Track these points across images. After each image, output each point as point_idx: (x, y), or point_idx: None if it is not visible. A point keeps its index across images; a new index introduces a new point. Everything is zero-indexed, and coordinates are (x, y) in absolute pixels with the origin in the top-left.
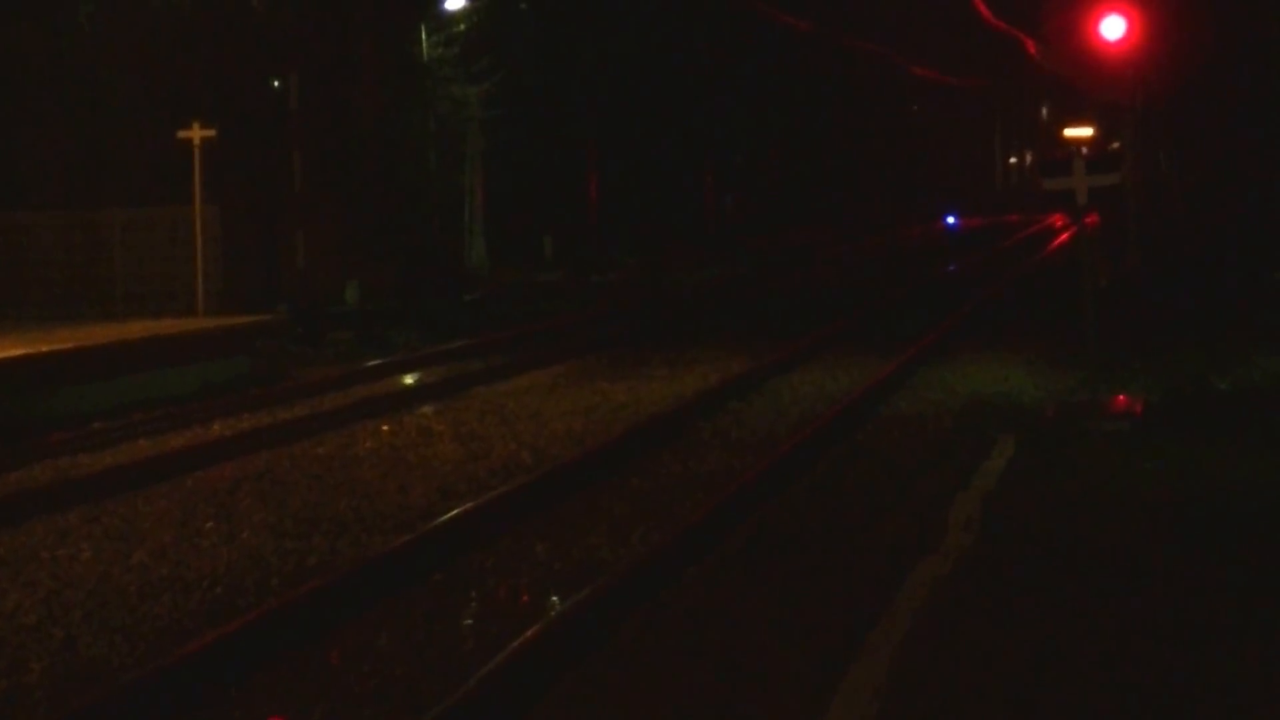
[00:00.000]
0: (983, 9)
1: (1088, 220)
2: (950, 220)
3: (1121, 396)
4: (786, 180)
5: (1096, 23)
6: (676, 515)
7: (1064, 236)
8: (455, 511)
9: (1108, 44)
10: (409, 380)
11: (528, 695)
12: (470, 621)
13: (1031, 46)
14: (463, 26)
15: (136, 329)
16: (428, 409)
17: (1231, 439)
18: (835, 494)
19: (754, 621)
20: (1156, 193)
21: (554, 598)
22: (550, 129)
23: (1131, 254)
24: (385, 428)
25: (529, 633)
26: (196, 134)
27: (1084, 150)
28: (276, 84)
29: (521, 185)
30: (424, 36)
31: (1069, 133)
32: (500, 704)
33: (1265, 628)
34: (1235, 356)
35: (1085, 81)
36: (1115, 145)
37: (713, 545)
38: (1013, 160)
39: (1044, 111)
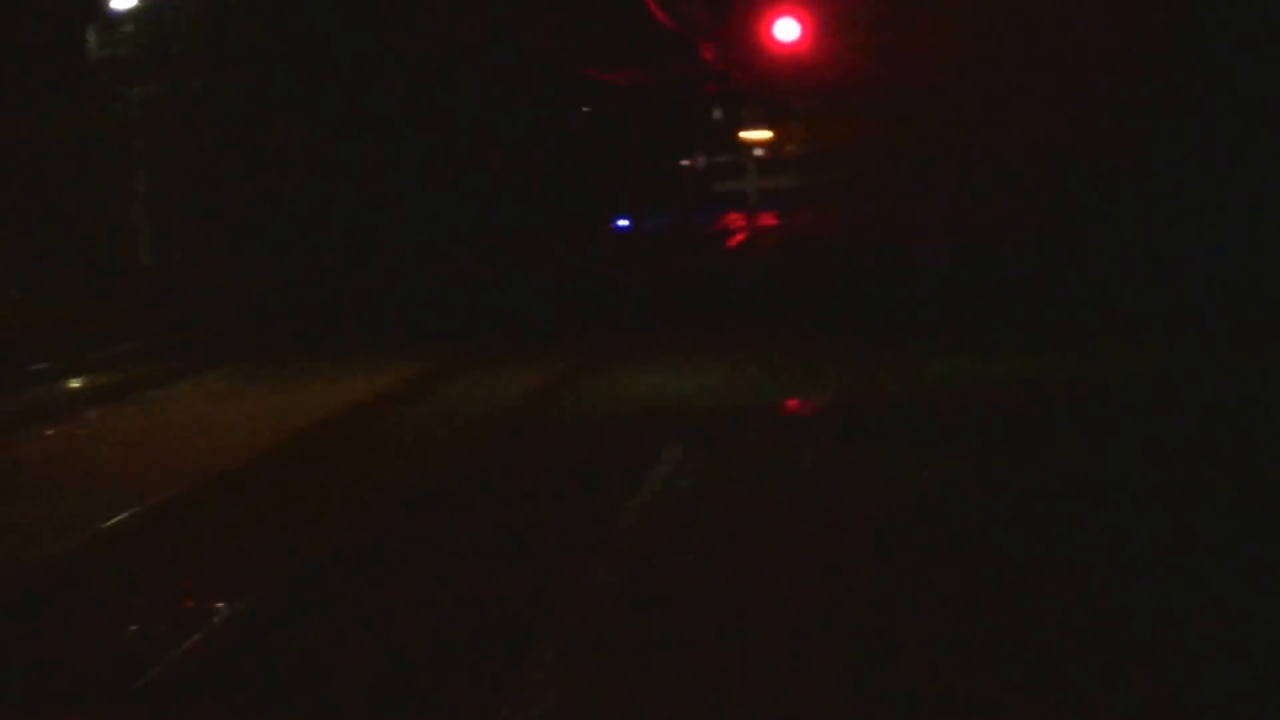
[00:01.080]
0: (657, 11)
1: (760, 221)
2: (621, 223)
3: (793, 400)
4: (463, 183)
5: (770, 25)
6: (340, 521)
7: (740, 237)
8: (119, 517)
9: (782, 46)
10: (74, 384)
11: (192, 698)
12: (134, 627)
13: (706, 49)
14: (131, 27)
15: None
16: (92, 414)
17: (902, 441)
18: (501, 498)
19: (417, 627)
20: (836, 193)
21: (219, 604)
22: (218, 129)
23: (807, 254)
24: (49, 433)
25: (193, 638)
26: None
27: (758, 152)
28: None
29: (193, 187)
30: (92, 37)
31: (745, 135)
32: (163, 711)
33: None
34: (913, 358)
35: (760, 84)
36: (790, 148)
37: (380, 553)
38: (686, 162)
39: (716, 114)
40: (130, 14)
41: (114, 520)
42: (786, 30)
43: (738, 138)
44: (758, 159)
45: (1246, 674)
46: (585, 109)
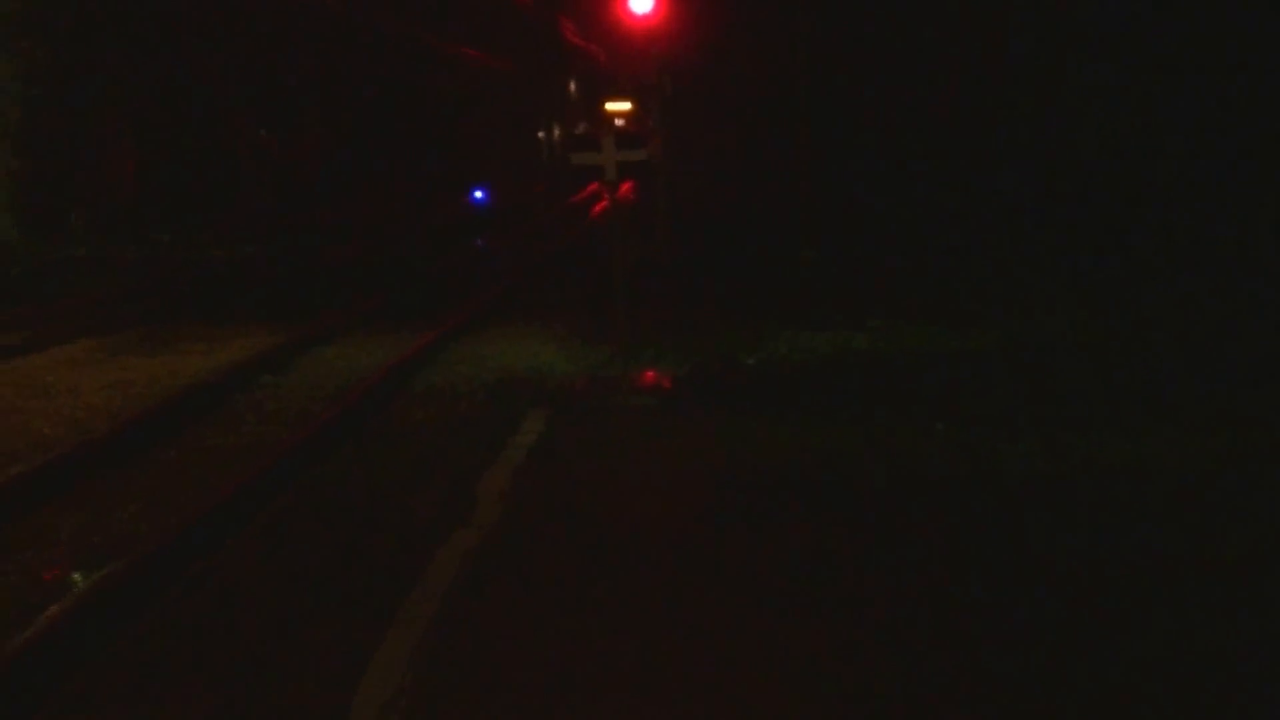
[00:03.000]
0: None
1: (620, 193)
2: (479, 195)
3: (650, 372)
4: (326, 154)
5: None
6: (212, 487)
7: (602, 205)
8: None
9: (635, 19)
10: None
11: (63, 668)
12: (4, 594)
13: (565, 24)
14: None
15: None
16: None
17: (756, 410)
18: (369, 466)
19: (289, 597)
20: (689, 169)
21: (86, 572)
22: (91, 103)
23: (661, 230)
24: None
25: (65, 602)
26: None
27: (619, 124)
28: None
29: (62, 161)
30: None
31: (609, 107)
32: (30, 680)
33: (801, 598)
34: (763, 332)
35: (615, 56)
36: (648, 121)
37: (249, 517)
38: (541, 134)
39: (572, 86)
40: None
41: None
42: (640, 2)
43: (600, 109)
44: (616, 131)
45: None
46: (441, 82)
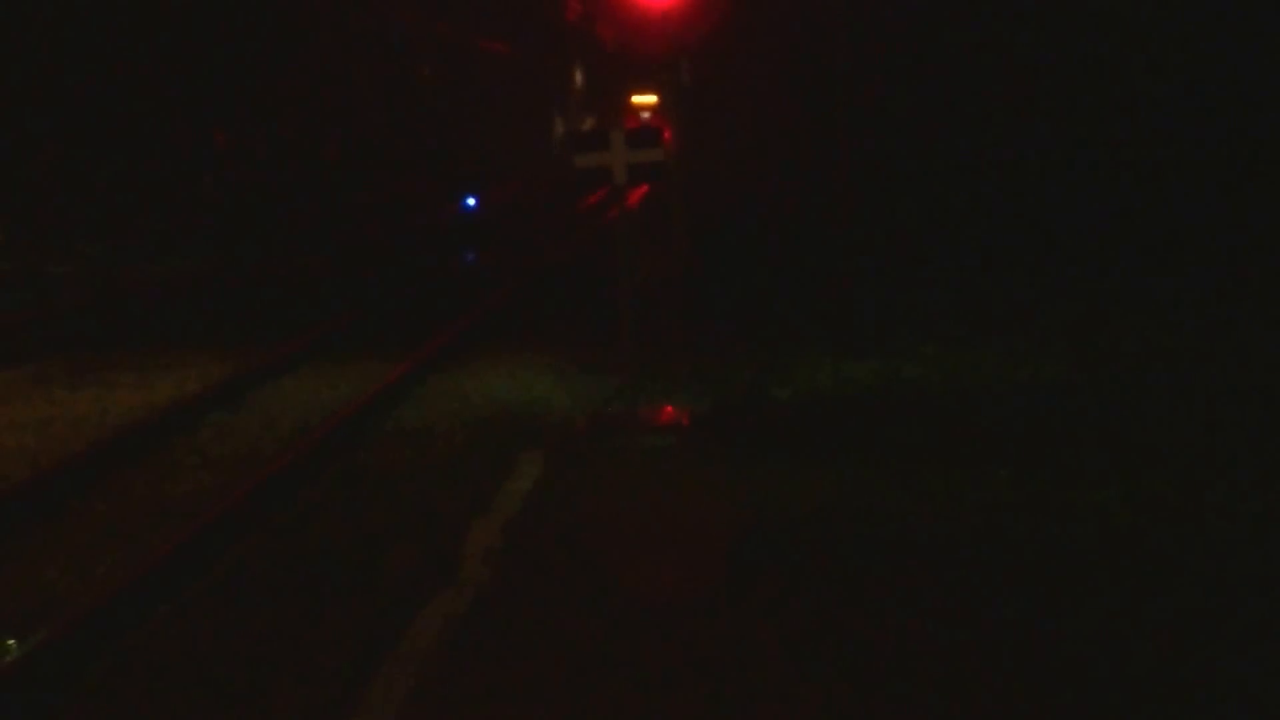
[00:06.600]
0: None
1: (629, 201)
2: (470, 202)
3: (665, 407)
4: (287, 156)
5: None
6: (147, 545)
7: (614, 212)
8: None
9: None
10: None
11: None
12: None
13: (570, 6)
14: None
15: None
16: None
17: (790, 453)
18: (331, 521)
19: (234, 673)
20: (711, 171)
21: (9, 640)
22: (9, 99)
23: (679, 240)
24: None
25: None
26: None
27: (646, 115)
28: None
29: None
30: None
31: (636, 100)
32: None
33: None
34: (800, 361)
35: (630, 43)
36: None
37: (188, 581)
38: (544, 130)
39: (578, 76)
40: None
41: None
42: None
43: (611, 101)
44: (627, 128)
45: None
46: (427, 71)
